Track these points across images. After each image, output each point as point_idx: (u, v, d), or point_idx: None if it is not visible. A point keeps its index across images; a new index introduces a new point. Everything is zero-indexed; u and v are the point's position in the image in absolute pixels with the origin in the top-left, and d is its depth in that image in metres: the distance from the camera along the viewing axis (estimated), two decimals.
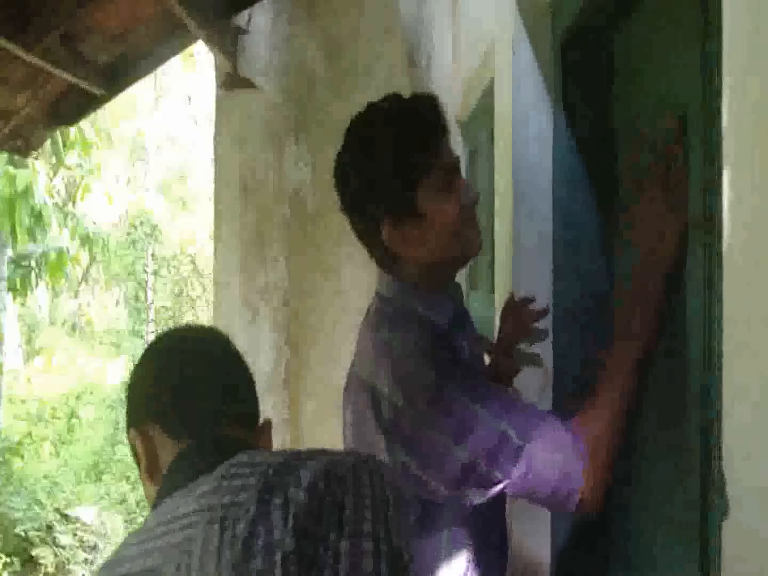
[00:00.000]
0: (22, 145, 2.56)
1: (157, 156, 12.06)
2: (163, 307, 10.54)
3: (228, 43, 2.61)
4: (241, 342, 2.62)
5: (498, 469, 1.03)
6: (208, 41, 2.47)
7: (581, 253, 1.49)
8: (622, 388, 1.08)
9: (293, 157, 2.93)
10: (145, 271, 9.64)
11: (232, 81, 2.72)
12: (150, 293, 9.99)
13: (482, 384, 1.11)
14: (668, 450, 1.16)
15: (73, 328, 14.15)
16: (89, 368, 10.99)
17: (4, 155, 4.46)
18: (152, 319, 10.68)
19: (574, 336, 1.51)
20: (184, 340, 0.97)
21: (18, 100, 2.33)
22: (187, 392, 0.87)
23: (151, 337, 10.89)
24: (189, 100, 12.41)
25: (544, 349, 1.51)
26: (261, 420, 0.94)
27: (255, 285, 2.83)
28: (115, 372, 10.95)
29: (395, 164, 1.13)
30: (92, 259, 7.76)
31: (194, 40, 2.52)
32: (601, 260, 1.49)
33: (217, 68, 2.84)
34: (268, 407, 2.94)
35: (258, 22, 2.74)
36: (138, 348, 10.44)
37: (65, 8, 1.89)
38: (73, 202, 7.56)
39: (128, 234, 9.42)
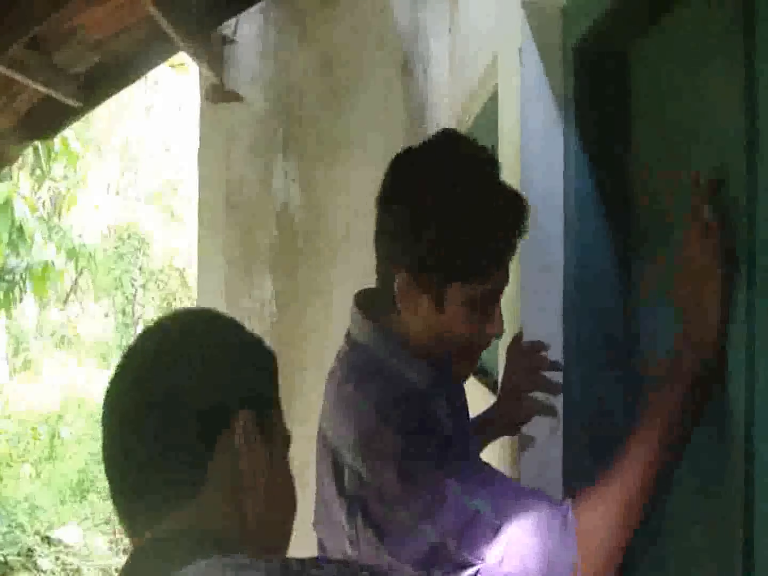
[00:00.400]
0: None
1: (147, 166, 11.93)
2: (151, 320, 10.40)
3: (213, 55, 2.47)
4: None
5: (470, 550, 0.92)
6: (192, 52, 2.33)
7: (595, 288, 1.36)
8: (638, 479, 0.93)
9: (281, 173, 2.80)
10: (132, 285, 9.50)
11: (217, 94, 2.59)
12: (138, 307, 9.84)
13: (457, 454, 1.00)
14: (707, 523, 1.02)
15: (62, 340, 14.00)
16: (77, 380, 10.85)
17: None
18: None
19: (586, 378, 1.38)
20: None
21: None
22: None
23: None
24: (179, 108, 12.29)
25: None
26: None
27: (239, 308, 2.69)
28: (103, 385, 10.78)
29: (474, 240, 1.04)
30: (79, 272, 7.61)
31: (178, 49, 2.38)
32: (616, 296, 1.36)
33: (202, 80, 2.70)
34: None
35: (246, 30, 2.61)
36: None
37: (36, 12, 1.74)
38: (59, 215, 7.41)
39: (116, 247, 9.28)
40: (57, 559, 6.17)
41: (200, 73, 2.69)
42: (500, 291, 1.12)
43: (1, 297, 7.62)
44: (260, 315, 2.66)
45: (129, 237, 9.31)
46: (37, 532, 6.21)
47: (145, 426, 0.71)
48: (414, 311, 1.07)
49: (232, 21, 2.55)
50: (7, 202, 4.75)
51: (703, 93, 1.08)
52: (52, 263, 7.41)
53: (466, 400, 1.23)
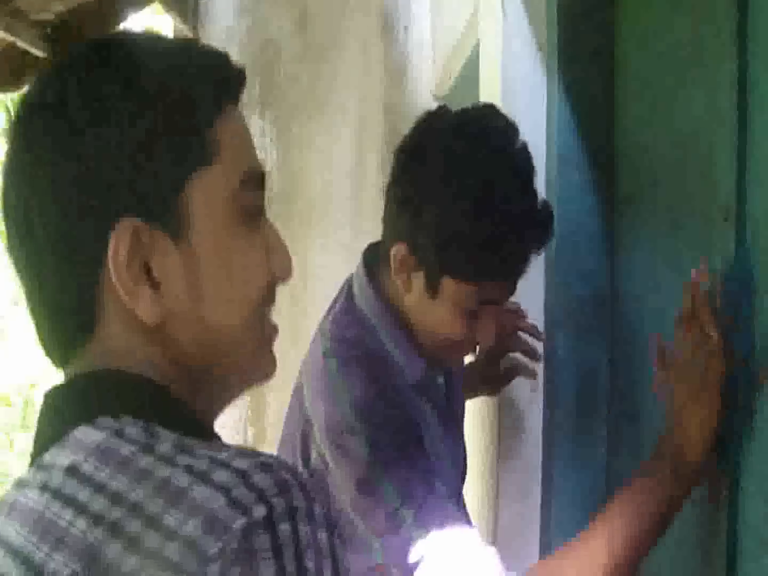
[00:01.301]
0: None
1: None
2: None
3: (187, 7, 2.40)
4: None
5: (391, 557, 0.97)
6: (166, 3, 2.26)
7: (578, 246, 1.34)
8: (597, 560, 0.88)
9: (257, 133, 2.74)
10: None
11: None
12: None
13: (425, 480, 0.98)
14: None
15: None
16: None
17: None
18: None
19: (570, 337, 1.37)
20: None
21: None
22: None
23: None
24: None
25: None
26: None
27: None
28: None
29: (477, 241, 0.99)
30: None
31: (150, 1, 2.31)
32: (600, 255, 1.34)
33: (175, 33, 2.63)
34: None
35: None
36: None
37: None
38: None
39: None
40: None
41: (173, 27, 2.61)
42: (499, 302, 1.08)
43: None
44: None
45: None
46: None
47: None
48: (407, 287, 1.04)
49: None
50: None
51: (690, 42, 1.05)
52: None
53: (458, 389, 1.24)
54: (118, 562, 0.45)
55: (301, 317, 2.27)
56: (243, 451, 0.49)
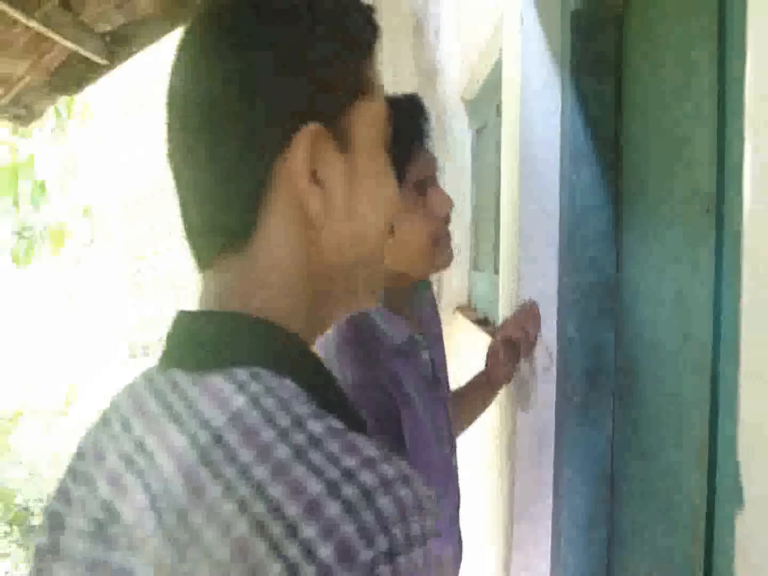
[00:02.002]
0: (23, 114, 2.53)
1: (147, 128, 11.96)
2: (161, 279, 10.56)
3: None
4: None
5: None
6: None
7: (589, 234, 1.47)
8: None
9: None
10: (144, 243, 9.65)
11: None
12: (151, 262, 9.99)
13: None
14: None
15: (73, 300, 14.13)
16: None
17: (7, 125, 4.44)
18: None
19: (580, 319, 1.50)
20: None
21: (19, 67, 2.30)
22: None
23: (151, 310, 10.90)
24: None
25: (547, 329, 1.50)
26: None
27: None
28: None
29: None
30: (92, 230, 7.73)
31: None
32: (608, 245, 1.47)
33: None
34: None
35: None
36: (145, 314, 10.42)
37: None
38: (75, 175, 7.53)
39: (126, 207, 9.41)
40: None
41: None
42: (431, 176, 1.18)
43: (21, 254, 7.77)
44: None
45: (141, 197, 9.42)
46: (57, 480, 6.43)
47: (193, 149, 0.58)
48: None
49: None
50: (31, 159, 4.85)
51: (680, 57, 1.18)
52: (67, 222, 7.56)
53: (441, 363, 1.30)
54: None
55: None
56: (371, 460, 0.47)
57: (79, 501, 0.56)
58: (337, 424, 0.50)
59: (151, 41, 2.59)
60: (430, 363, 1.23)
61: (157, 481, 0.51)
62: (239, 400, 0.51)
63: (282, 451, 0.47)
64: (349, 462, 0.46)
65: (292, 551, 0.43)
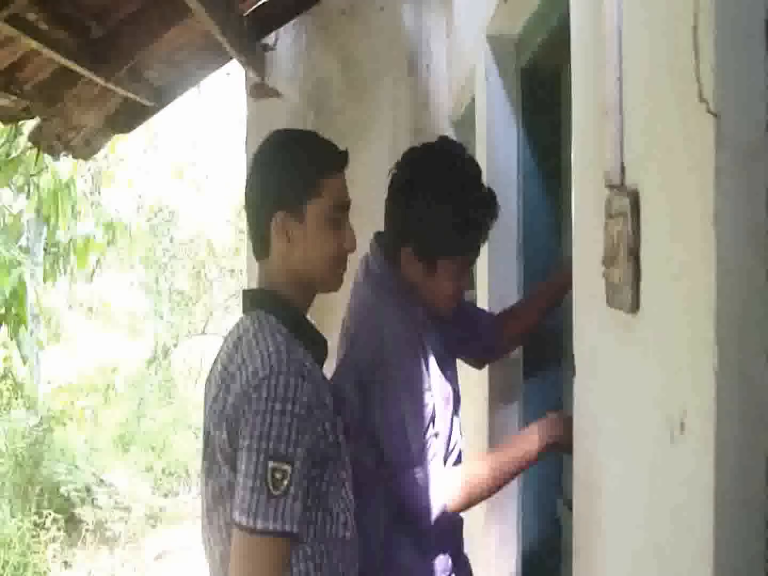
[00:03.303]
0: (87, 151, 3.08)
1: (166, 144, 12.52)
2: (178, 290, 11.08)
3: (257, 60, 3.11)
4: None
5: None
6: (241, 60, 2.98)
7: (537, 232, 2.00)
8: (499, 470, 1.48)
9: None
10: (164, 255, 10.18)
11: (260, 91, 3.23)
12: (168, 276, 10.52)
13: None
14: None
15: (90, 311, 14.59)
16: (109, 349, 11.50)
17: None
18: (170, 301, 11.20)
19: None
20: None
21: (88, 116, 2.84)
22: None
23: (170, 318, 11.45)
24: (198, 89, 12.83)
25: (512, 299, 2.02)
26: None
27: None
28: (134, 352, 11.46)
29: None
30: (115, 245, 8.25)
31: (230, 58, 3.02)
32: (552, 238, 1.99)
33: (247, 80, 3.35)
34: None
35: (283, 40, 3.24)
36: (159, 327, 10.97)
37: (135, 47, 2.40)
38: (99, 191, 8.05)
39: (148, 220, 9.94)
40: (110, 497, 6.94)
41: (246, 76, 3.33)
42: (473, 263, 1.67)
43: (48, 268, 8.28)
44: None
45: (160, 210, 9.96)
46: (93, 474, 6.98)
47: (247, 210, 1.35)
48: (413, 276, 1.55)
49: (273, 33, 3.18)
50: (71, 181, 5.39)
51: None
52: (93, 236, 8.04)
53: (450, 344, 1.67)
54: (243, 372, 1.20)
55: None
56: (277, 350, 1.20)
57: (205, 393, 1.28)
58: (282, 339, 1.24)
59: (192, 86, 3.14)
60: (441, 338, 1.64)
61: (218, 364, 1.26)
62: (252, 323, 1.27)
63: (259, 347, 1.21)
64: (270, 348, 1.22)
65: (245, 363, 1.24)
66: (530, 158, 2.03)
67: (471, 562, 1.66)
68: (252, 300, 1.32)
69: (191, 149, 12.24)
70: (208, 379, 1.30)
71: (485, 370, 2.04)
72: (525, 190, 2.03)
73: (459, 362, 1.78)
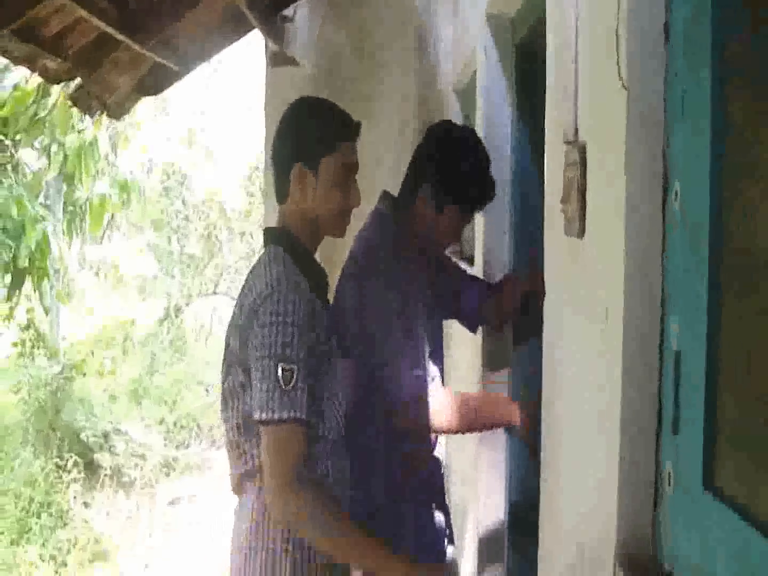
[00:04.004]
0: (120, 111, 3.35)
1: (175, 109, 12.74)
2: (189, 253, 11.37)
3: (277, 31, 3.36)
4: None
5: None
6: (263, 29, 3.23)
7: (530, 184, 2.27)
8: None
9: None
10: (177, 217, 10.46)
11: (279, 59, 3.49)
12: (180, 237, 10.81)
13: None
14: None
15: (97, 274, 14.90)
16: (119, 310, 11.84)
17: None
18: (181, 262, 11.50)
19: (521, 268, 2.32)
20: None
21: (122, 78, 3.11)
22: None
23: (182, 279, 11.77)
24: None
25: (503, 252, 2.31)
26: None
27: None
28: (144, 313, 11.80)
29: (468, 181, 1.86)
30: (129, 205, 8.52)
31: (252, 28, 3.27)
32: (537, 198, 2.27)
33: (267, 49, 3.60)
34: None
35: (300, 12, 3.49)
36: (171, 288, 11.30)
37: (168, 18, 2.67)
38: (115, 153, 8.31)
39: (162, 182, 10.20)
40: (126, 445, 7.31)
41: (266, 45, 3.58)
42: (468, 221, 1.95)
43: (65, 226, 8.57)
44: None
45: (173, 173, 10.21)
46: (110, 422, 7.35)
47: (273, 161, 1.58)
48: (422, 212, 1.84)
49: (292, 6, 3.42)
50: (95, 140, 5.66)
51: None
52: (109, 196, 8.33)
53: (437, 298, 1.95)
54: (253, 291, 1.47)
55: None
56: (278, 273, 1.46)
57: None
58: (284, 266, 1.49)
59: (216, 53, 3.39)
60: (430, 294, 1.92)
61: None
62: (266, 254, 1.54)
63: (265, 272, 1.47)
64: (277, 274, 1.48)
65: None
66: (522, 126, 2.30)
67: (460, 512, 1.88)
68: (268, 236, 1.58)
69: (201, 115, 12.47)
70: (235, 304, 1.59)
71: (479, 337, 2.32)
72: (517, 152, 2.30)
73: (454, 332, 2.02)
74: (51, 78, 2.78)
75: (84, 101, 3.02)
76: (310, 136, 1.55)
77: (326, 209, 1.53)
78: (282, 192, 1.56)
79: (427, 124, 2.11)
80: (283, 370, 1.35)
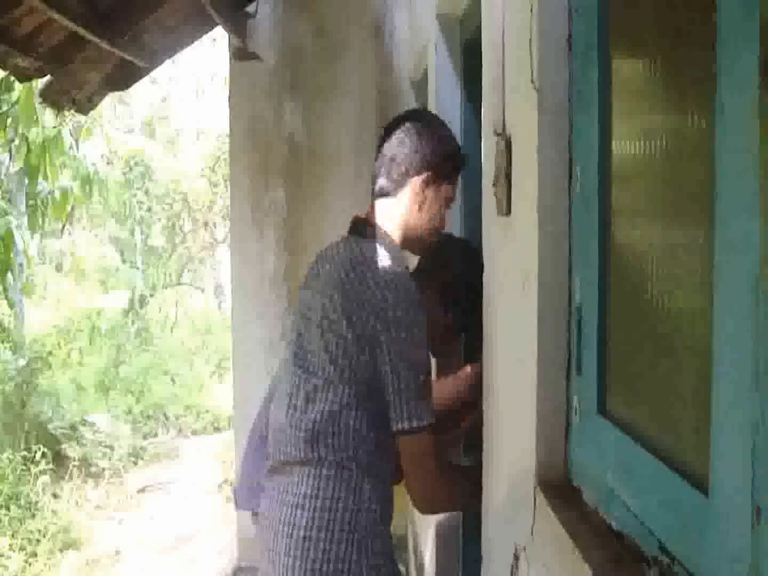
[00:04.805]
0: (88, 106, 3.46)
1: (137, 98, 12.71)
2: (152, 245, 11.40)
3: (240, 27, 3.51)
4: (251, 251, 3.72)
5: None
6: (226, 26, 3.37)
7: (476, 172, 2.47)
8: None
9: (289, 109, 3.88)
10: (140, 209, 10.47)
11: (242, 54, 3.63)
12: (144, 228, 10.83)
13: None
14: None
15: (57, 268, 14.79)
16: (81, 302, 11.82)
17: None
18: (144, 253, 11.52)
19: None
20: None
21: (91, 74, 3.23)
22: None
23: (146, 270, 11.79)
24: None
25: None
26: None
27: (261, 206, 3.81)
28: (107, 304, 11.79)
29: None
30: (91, 198, 8.54)
31: (215, 25, 3.41)
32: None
33: (230, 44, 3.74)
34: (273, 297, 3.92)
35: (262, 8, 3.63)
36: (134, 279, 11.33)
37: (136, 17, 2.80)
38: (77, 145, 8.31)
39: (124, 173, 10.21)
40: (94, 435, 7.38)
41: (229, 41, 3.72)
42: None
43: (27, 221, 8.54)
44: (276, 211, 3.79)
45: (135, 164, 10.23)
46: (79, 413, 7.43)
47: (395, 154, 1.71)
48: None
49: (254, 3, 3.57)
50: (58, 135, 5.72)
51: None
52: (71, 189, 8.33)
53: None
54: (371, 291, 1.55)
55: (321, 235, 3.45)
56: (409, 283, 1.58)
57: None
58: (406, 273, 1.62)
59: (179, 49, 3.53)
60: None
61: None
62: (379, 252, 1.66)
63: (391, 277, 1.57)
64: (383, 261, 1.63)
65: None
66: (470, 116, 2.50)
67: None
68: (371, 231, 1.66)
69: (161, 104, 12.45)
70: (309, 285, 1.65)
71: None
72: (466, 143, 2.49)
73: None
74: (22, 76, 2.89)
75: (53, 97, 3.14)
76: (446, 157, 1.72)
77: (427, 227, 1.71)
78: (387, 190, 1.69)
79: (384, 112, 2.30)
80: (423, 381, 1.50)
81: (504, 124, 1.36)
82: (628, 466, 0.95)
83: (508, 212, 1.33)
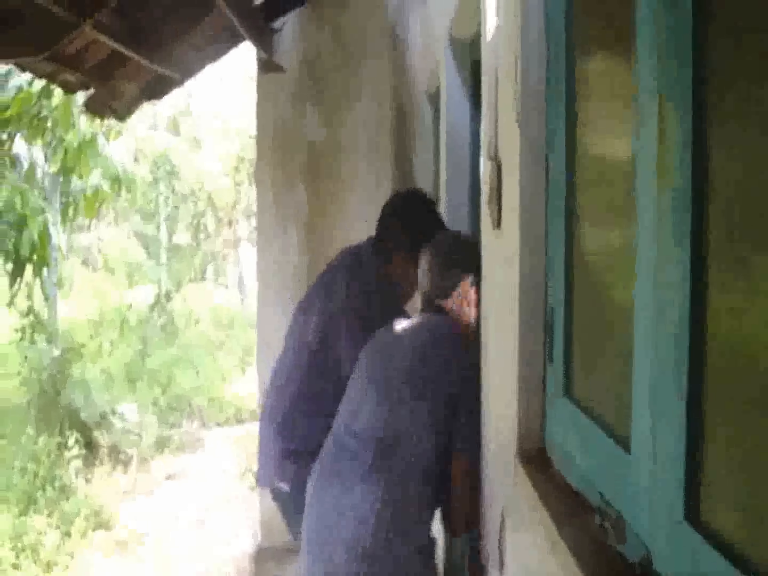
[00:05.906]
0: (126, 114, 3.73)
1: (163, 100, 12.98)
2: (176, 243, 11.70)
3: (266, 41, 3.75)
4: (277, 246, 3.99)
5: None
6: (253, 40, 3.62)
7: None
8: None
9: (310, 116, 4.13)
10: (167, 206, 10.79)
11: (268, 66, 3.88)
12: (170, 225, 11.14)
13: None
14: None
15: (84, 262, 15.18)
16: (109, 297, 12.17)
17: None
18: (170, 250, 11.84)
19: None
20: None
21: (129, 86, 3.49)
22: None
23: (171, 266, 12.12)
24: None
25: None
26: None
27: (284, 205, 4.08)
28: (133, 298, 12.13)
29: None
30: (119, 196, 8.84)
31: (243, 40, 3.66)
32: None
33: (257, 57, 3.99)
34: (297, 291, 4.16)
35: (287, 23, 3.88)
36: (159, 275, 11.66)
37: (171, 35, 3.05)
38: (107, 144, 8.62)
39: (151, 172, 10.52)
40: (123, 424, 7.69)
41: (257, 53, 3.97)
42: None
43: (60, 216, 8.88)
44: (297, 212, 4.05)
45: (163, 163, 10.54)
46: (108, 402, 7.75)
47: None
48: (403, 269, 2.42)
49: (281, 19, 3.82)
50: (94, 138, 6.02)
51: None
52: (102, 187, 8.64)
53: None
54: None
55: (339, 232, 3.69)
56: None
57: None
58: None
59: (210, 61, 3.78)
60: None
61: None
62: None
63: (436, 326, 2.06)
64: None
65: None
66: (479, 132, 2.71)
67: None
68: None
69: (185, 100, 12.73)
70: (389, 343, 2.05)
71: None
72: (473, 153, 2.72)
73: None
74: (68, 89, 3.16)
75: (95, 107, 3.41)
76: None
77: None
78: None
79: (400, 116, 2.49)
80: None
81: (496, 150, 1.59)
82: (583, 436, 1.18)
83: (499, 225, 1.56)
